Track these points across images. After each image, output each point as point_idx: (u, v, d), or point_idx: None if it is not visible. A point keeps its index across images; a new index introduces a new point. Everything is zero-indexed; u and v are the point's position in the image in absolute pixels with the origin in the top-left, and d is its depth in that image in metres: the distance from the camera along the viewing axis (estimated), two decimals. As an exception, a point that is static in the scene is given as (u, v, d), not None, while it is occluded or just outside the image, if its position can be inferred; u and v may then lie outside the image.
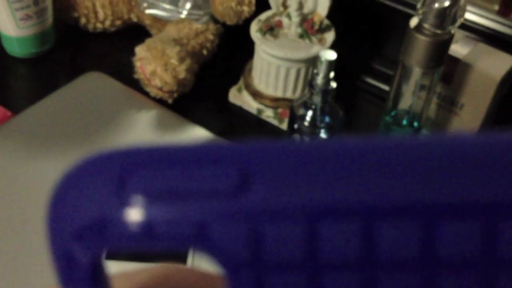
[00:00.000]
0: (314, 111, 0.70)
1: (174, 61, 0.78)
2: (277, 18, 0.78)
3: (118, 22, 0.92)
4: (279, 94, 0.80)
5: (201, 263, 0.56)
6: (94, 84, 0.82)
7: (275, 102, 0.81)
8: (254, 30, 0.78)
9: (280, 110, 0.81)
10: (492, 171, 0.12)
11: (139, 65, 0.80)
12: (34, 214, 0.64)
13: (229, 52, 0.90)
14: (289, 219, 0.13)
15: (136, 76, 0.81)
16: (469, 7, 0.77)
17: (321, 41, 0.77)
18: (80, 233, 0.14)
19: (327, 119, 0.70)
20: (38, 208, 0.65)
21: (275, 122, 0.81)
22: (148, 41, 0.81)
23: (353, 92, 0.87)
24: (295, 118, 0.71)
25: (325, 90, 0.68)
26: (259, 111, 0.82)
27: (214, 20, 0.88)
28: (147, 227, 0.13)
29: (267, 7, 0.79)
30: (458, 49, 0.72)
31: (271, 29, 0.78)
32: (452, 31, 0.65)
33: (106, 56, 0.91)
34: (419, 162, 0.12)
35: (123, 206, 0.13)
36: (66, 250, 0.14)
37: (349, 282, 0.13)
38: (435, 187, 0.12)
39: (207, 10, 0.87)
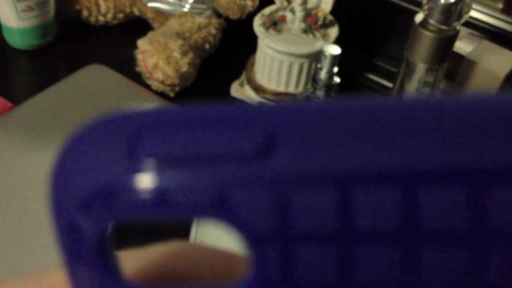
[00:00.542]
0: (317, 106, 0.69)
1: (176, 54, 0.77)
2: (280, 13, 0.78)
3: (120, 15, 0.92)
4: (281, 88, 0.79)
5: (204, 239, 0.55)
6: (95, 77, 0.81)
7: (277, 97, 0.80)
8: (257, 24, 0.77)
9: (282, 106, 0.80)
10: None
11: (141, 58, 0.79)
12: (34, 204, 0.64)
13: (231, 46, 0.90)
14: (318, 185, 0.11)
15: (138, 69, 0.81)
16: (473, 5, 0.76)
17: (324, 37, 0.76)
18: (87, 202, 0.12)
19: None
20: (37, 198, 0.64)
21: (277, 117, 0.81)
22: (151, 34, 0.80)
23: (356, 89, 0.87)
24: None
25: (329, 85, 0.67)
26: (261, 106, 0.81)
27: (217, 14, 0.87)
28: (161, 194, 0.12)
29: (271, 1, 0.79)
30: (463, 46, 0.72)
31: (275, 24, 0.77)
32: (457, 28, 0.65)
33: (107, 49, 0.90)
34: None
35: (134, 171, 0.12)
36: (71, 221, 0.13)
37: (386, 255, 0.12)
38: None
39: (210, 4, 0.86)
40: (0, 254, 0.60)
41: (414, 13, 0.67)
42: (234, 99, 0.83)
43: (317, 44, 0.75)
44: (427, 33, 0.65)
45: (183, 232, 0.54)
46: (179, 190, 0.12)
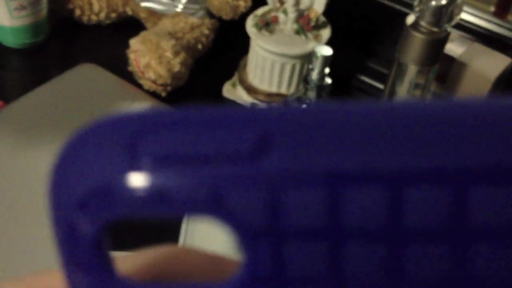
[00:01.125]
0: (309, 106, 0.69)
1: (168, 54, 0.77)
2: (273, 14, 0.78)
3: (113, 15, 0.92)
4: (273, 89, 0.80)
5: (194, 237, 0.55)
6: (87, 76, 0.81)
7: (269, 97, 0.80)
8: (250, 25, 0.78)
9: (274, 106, 0.80)
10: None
11: (133, 58, 0.79)
12: (25, 203, 0.64)
13: (224, 47, 0.90)
14: (310, 185, 0.12)
15: (130, 68, 0.81)
16: (465, 8, 0.77)
17: (316, 38, 0.77)
18: (85, 201, 0.13)
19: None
20: (29, 197, 0.64)
21: (268, 118, 0.81)
22: (143, 33, 0.80)
23: (348, 91, 0.87)
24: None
25: (320, 86, 0.68)
26: (253, 106, 0.81)
27: (210, 14, 0.87)
28: (158, 193, 0.12)
29: (264, 2, 0.79)
30: (454, 48, 0.72)
31: (267, 25, 0.77)
32: (448, 29, 0.66)
33: (100, 48, 0.90)
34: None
35: (132, 170, 0.12)
36: (69, 220, 0.13)
37: (373, 252, 0.12)
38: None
39: (203, 4, 0.87)
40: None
41: (406, 15, 0.68)
42: (226, 100, 0.83)
43: (310, 45, 0.75)
44: (418, 35, 0.65)
45: (173, 230, 0.55)
46: (175, 189, 0.12)
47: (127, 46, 0.80)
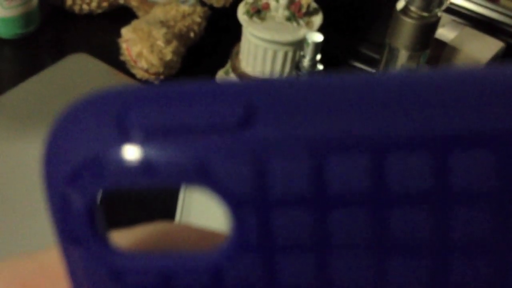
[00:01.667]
0: (301, 93, 0.70)
1: (160, 42, 0.77)
2: (264, 1, 0.78)
3: (105, 4, 0.92)
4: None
5: (192, 206, 0.55)
6: (79, 66, 0.81)
7: (262, 85, 0.80)
8: (241, 12, 0.78)
9: (266, 93, 0.81)
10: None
11: (125, 47, 0.79)
12: (19, 193, 0.64)
13: (216, 34, 0.90)
14: (295, 153, 0.12)
15: (122, 57, 0.81)
16: (455, -8, 0.77)
17: (308, 24, 0.77)
18: (76, 174, 0.13)
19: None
20: (22, 187, 0.64)
21: (261, 105, 0.81)
22: (135, 22, 0.80)
23: (340, 77, 0.87)
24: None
25: (312, 73, 0.68)
26: (246, 94, 0.82)
27: (202, 2, 0.87)
28: (146, 163, 0.13)
29: (255, -11, 0.79)
30: (445, 33, 0.73)
31: (258, 12, 0.77)
32: (439, 14, 0.66)
33: (92, 37, 0.90)
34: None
35: (121, 142, 0.13)
36: (61, 194, 0.14)
37: (358, 219, 0.13)
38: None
39: (194, -8, 0.87)
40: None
41: (397, 0, 0.68)
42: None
43: (301, 32, 0.75)
44: (409, 20, 0.65)
45: (170, 205, 0.55)
46: (163, 160, 0.13)
47: (119, 35, 0.80)
